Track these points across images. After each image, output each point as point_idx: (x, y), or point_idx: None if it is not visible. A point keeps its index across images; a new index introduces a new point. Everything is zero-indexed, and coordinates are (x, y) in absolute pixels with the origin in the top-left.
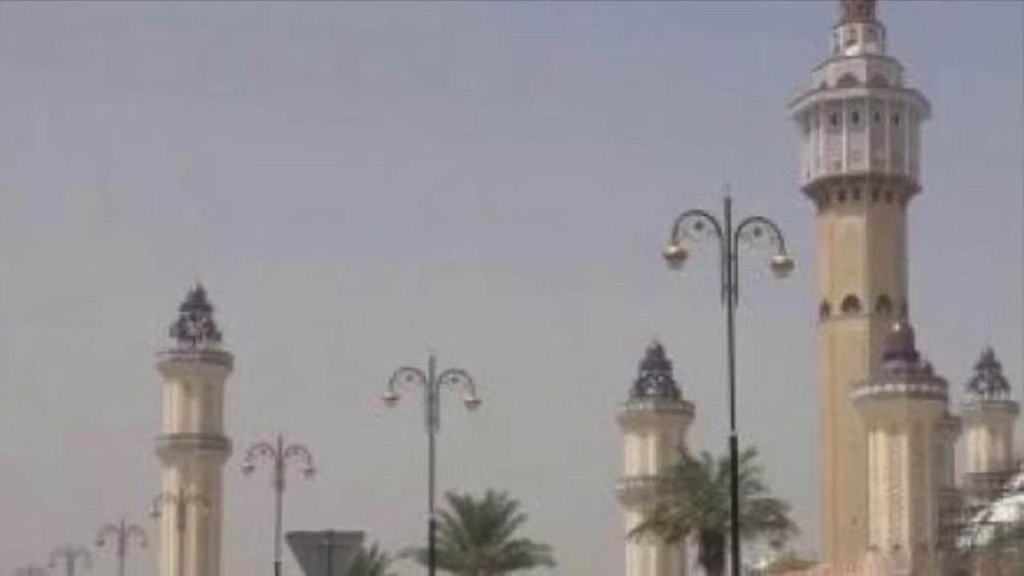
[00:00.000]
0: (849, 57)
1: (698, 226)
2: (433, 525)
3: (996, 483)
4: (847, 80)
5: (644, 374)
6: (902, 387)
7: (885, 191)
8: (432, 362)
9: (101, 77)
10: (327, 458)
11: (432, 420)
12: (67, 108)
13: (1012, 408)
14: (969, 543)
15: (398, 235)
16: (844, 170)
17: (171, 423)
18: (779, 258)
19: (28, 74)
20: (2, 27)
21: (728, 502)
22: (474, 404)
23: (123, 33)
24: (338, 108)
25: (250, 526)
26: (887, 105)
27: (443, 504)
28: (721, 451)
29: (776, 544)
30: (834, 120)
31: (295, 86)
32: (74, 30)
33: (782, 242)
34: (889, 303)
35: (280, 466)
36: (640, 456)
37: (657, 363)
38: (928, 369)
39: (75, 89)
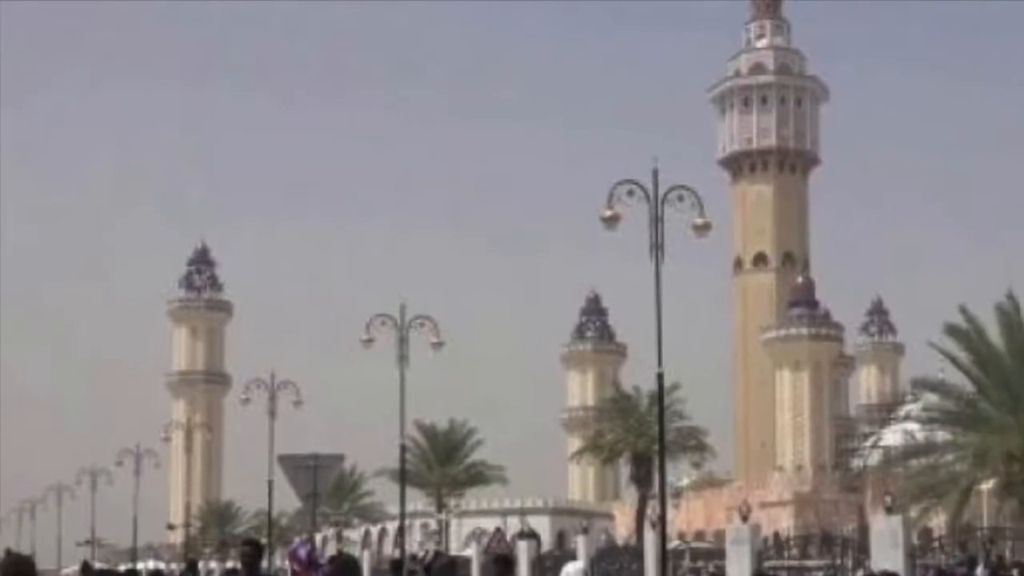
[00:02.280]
0: (759, 49)
1: (630, 193)
2: (403, 449)
3: (884, 413)
4: (757, 68)
5: (584, 320)
6: (804, 331)
7: (790, 163)
8: (403, 309)
9: (119, 69)
10: (313, 391)
11: (402, 359)
12: (89, 96)
13: (898, 349)
14: (861, 464)
15: (375, 202)
16: (754, 145)
17: (179, 361)
18: (699, 220)
19: (55, 67)
20: (33, 26)
21: (655, 429)
22: (439, 345)
23: (138, 31)
24: (324, 94)
25: (247, 450)
26: (791, 90)
27: (412, 431)
28: (649, 385)
29: (696, 465)
30: (746, 103)
31: (287, 75)
32: (95, 28)
33: (701, 207)
34: (793, 259)
35: (273, 398)
36: (580, 390)
37: (595, 310)
38: (826, 315)
39: (96, 79)
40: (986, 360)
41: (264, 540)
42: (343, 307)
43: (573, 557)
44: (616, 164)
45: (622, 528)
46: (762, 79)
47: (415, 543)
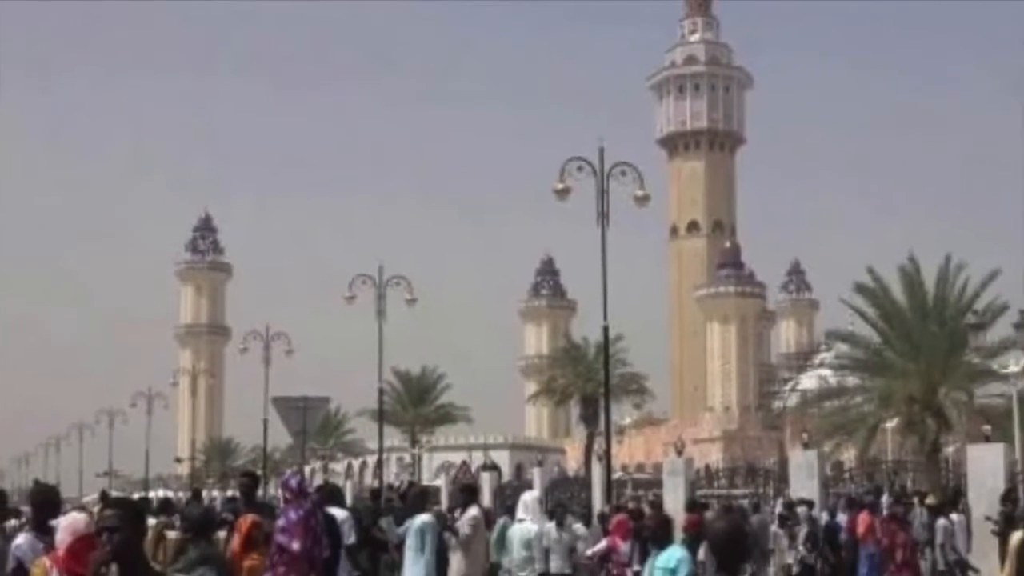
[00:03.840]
0: (692, 42)
1: (579, 169)
2: (381, 392)
3: (802, 361)
4: (690, 60)
5: (539, 279)
6: (731, 289)
7: (719, 142)
8: (381, 269)
9: (133, 60)
10: (303, 341)
11: (381, 313)
12: (107, 83)
13: (814, 305)
14: (782, 405)
15: (357, 175)
16: (688, 127)
17: (185, 315)
18: (639, 192)
19: (77, 58)
20: (57, 23)
21: (602, 374)
22: (412, 301)
23: (149, 27)
24: (313, 81)
25: (245, 393)
26: (720, 78)
27: (389, 376)
28: (596, 336)
29: (637, 406)
30: (681, 90)
31: (281, 65)
32: (112, 25)
33: (642, 180)
34: (722, 226)
35: (267, 348)
36: (536, 340)
37: (549, 271)
38: (751, 275)
39: (113, 69)
40: (890, 315)
41: (260, 472)
42: (329, 268)
43: (530, 486)
44: (567, 143)
45: (572, 461)
46: (695, 69)
47: (392, 474)
